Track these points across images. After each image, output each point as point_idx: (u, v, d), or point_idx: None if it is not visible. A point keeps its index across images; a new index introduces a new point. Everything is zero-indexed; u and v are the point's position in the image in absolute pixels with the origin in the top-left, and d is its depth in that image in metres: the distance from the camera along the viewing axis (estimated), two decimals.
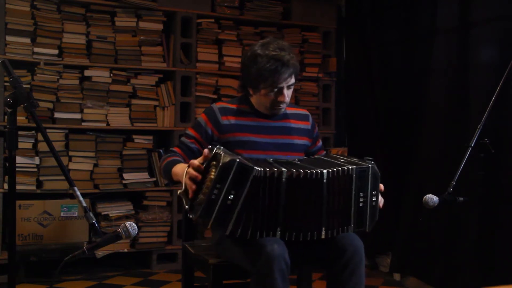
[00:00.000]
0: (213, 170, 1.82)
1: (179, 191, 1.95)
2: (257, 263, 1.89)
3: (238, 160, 1.81)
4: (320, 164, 2.00)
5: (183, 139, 2.27)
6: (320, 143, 2.46)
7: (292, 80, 2.20)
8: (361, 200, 1.96)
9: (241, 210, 1.83)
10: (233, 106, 2.29)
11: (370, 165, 1.96)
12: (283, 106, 2.24)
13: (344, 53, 4.60)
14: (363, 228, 1.99)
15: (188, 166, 1.91)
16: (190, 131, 2.27)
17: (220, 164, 1.80)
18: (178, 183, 2.07)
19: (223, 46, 4.15)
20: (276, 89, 2.17)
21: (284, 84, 2.17)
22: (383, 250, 4.00)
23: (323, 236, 1.93)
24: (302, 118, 2.37)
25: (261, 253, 1.87)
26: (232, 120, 2.24)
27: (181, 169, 2.02)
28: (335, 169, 1.92)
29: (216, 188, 1.80)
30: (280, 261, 1.87)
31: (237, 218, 1.84)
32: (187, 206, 1.91)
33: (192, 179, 1.88)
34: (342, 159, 2.07)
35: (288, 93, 2.21)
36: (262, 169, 1.85)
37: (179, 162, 2.15)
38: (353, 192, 1.94)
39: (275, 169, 1.87)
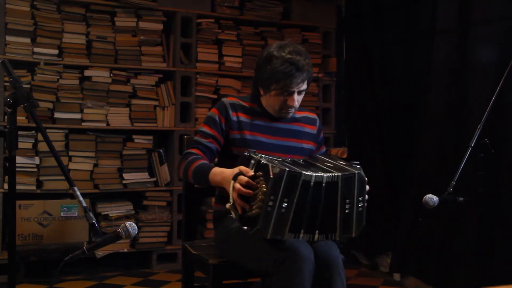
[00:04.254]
0: (264, 182, 1.84)
1: (228, 205, 1.94)
2: (284, 263, 1.88)
3: (287, 169, 1.83)
4: (313, 168, 2.00)
5: (199, 138, 2.22)
6: (324, 148, 2.45)
7: (304, 86, 2.18)
8: (347, 206, 1.95)
9: (294, 214, 1.86)
10: (244, 104, 2.27)
11: (356, 171, 1.95)
12: (291, 110, 2.23)
13: (344, 53, 4.60)
14: (349, 234, 1.98)
15: (234, 179, 1.91)
16: (206, 129, 2.22)
17: (271, 176, 1.82)
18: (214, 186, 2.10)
19: (223, 46, 4.15)
20: (286, 93, 2.16)
21: (296, 89, 2.15)
22: (383, 250, 4.00)
23: (315, 239, 1.95)
24: (310, 122, 2.37)
25: (292, 254, 1.88)
26: (241, 117, 2.23)
27: (223, 178, 2.00)
28: (328, 175, 1.91)
29: (270, 200, 1.82)
30: (309, 263, 1.89)
31: (291, 223, 1.86)
32: (236, 219, 1.94)
33: (244, 196, 1.89)
34: (329, 163, 2.05)
35: (298, 98, 2.19)
36: (310, 173, 1.87)
37: (207, 164, 2.13)
38: (339, 199, 1.93)
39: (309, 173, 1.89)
